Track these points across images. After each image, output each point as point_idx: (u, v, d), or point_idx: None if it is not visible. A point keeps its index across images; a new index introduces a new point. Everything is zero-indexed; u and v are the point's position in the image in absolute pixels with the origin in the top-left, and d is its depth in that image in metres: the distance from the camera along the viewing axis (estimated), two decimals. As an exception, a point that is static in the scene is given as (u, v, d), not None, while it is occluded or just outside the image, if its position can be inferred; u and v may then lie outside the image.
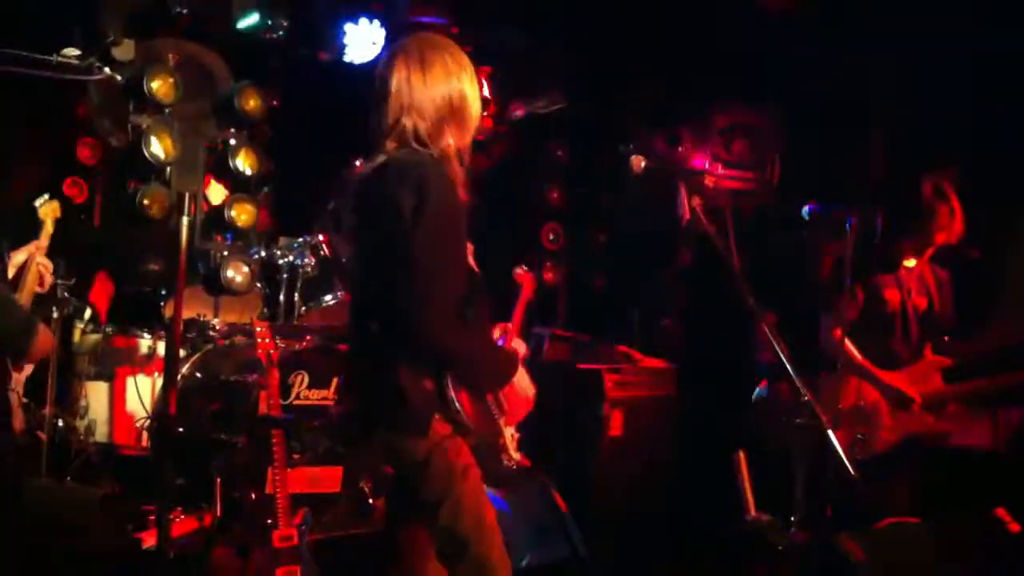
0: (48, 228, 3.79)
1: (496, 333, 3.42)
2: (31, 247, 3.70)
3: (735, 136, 7.11)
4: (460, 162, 3.11)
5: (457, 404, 2.99)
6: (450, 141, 3.09)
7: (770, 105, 7.16)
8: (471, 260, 3.17)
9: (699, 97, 7.17)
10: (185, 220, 4.28)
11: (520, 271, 4.07)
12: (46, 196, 3.84)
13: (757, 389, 5.37)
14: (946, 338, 5.12)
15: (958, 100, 6.36)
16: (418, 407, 2.98)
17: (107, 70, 2.79)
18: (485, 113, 3.34)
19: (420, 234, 2.90)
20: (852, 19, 6.63)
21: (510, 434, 3.26)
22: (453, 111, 3.10)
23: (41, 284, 3.67)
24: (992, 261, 6.01)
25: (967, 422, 5.07)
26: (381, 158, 3.06)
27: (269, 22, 5.30)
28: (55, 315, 5.06)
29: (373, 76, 3.14)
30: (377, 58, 5.84)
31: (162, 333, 5.45)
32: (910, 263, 5.09)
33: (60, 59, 2.80)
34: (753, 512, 4.96)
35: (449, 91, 3.09)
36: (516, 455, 3.24)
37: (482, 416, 3.10)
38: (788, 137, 7.25)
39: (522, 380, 3.25)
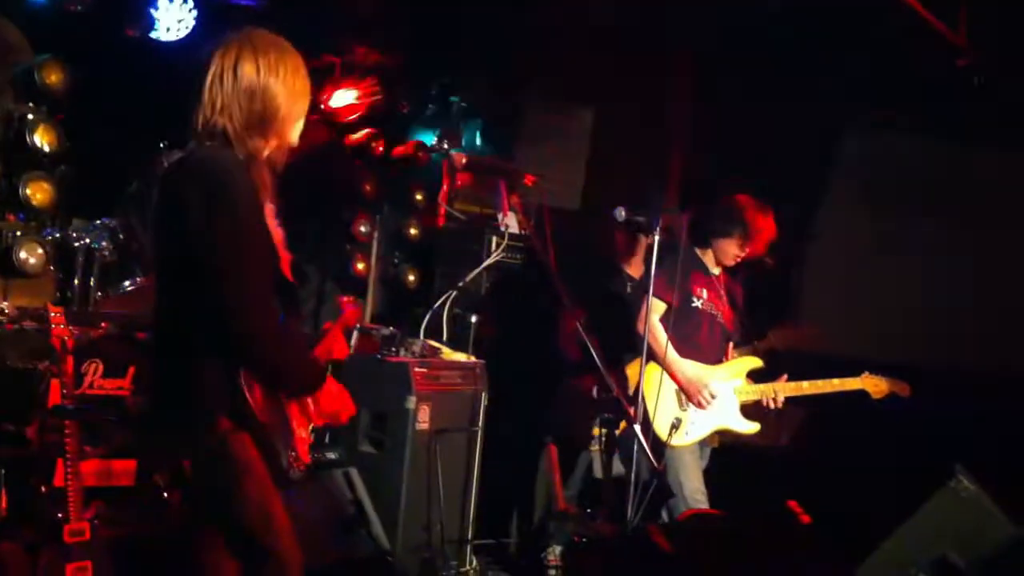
0: None
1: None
2: None
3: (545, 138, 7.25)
4: (271, 167, 3.08)
5: (248, 398, 2.96)
6: (260, 144, 3.06)
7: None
8: (287, 271, 3.13)
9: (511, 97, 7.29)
10: (-24, 197, 4.03)
11: (347, 299, 4.03)
12: None
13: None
14: (755, 341, 5.38)
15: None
16: (206, 400, 2.97)
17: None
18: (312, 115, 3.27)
19: (210, 234, 2.89)
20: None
21: (302, 435, 3.22)
22: (264, 114, 3.05)
23: None
24: (785, 268, 6.35)
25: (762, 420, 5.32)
26: (183, 153, 3.03)
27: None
28: None
29: (192, 68, 3.08)
30: (188, 40, 5.69)
31: (-57, 317, 5.11)
32: (716, 270, 5.34)
33: None
34: (562, 504, 5.08)
35: (262, 93, 3.04)
36: (303, 456, 3.18)
37: (272, 414, 3.06)
38: (594, 142, 7.44)
39: (331, 388, 3.25)
